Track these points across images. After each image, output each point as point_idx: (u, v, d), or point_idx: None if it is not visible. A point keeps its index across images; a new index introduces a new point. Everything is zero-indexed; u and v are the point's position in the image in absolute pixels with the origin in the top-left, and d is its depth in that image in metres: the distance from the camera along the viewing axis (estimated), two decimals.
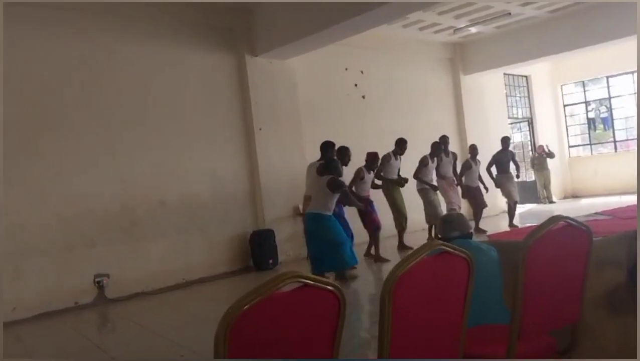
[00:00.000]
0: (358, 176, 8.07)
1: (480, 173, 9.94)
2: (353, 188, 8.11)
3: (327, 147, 7.36)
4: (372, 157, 8.20)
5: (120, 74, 7.59)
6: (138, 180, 7.60)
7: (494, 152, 10.17)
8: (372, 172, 8.23)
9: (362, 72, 10.76)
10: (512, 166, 10.21)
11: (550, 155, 13.84)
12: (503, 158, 10.04)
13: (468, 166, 9.82)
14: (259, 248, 8.41)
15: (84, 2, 7.11)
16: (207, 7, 8.28)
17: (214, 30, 8.59)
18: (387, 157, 8.61)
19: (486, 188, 9.95)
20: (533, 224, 4.24)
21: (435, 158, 9.20)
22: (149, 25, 7.90)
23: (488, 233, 7.49)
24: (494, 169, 10.10)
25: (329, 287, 1.59)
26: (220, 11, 8.49)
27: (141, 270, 7.45)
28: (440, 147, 9.22)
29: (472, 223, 9.49)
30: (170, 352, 4.67)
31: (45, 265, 6.75)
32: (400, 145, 8.72)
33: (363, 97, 10.75)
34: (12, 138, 6.58)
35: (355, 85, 10.66)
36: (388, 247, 8.54)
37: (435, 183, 9.22)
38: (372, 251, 8.26)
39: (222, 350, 1.38)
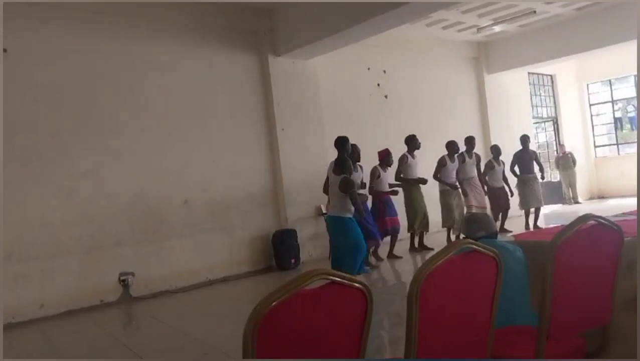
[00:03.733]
0: (374, 175, 8.06)
1: (505, 174, 9.82)
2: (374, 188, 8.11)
3: (340, 143, 7.21)
4: (385, 154, 8.17)
5: (145, 75, 7.68)
6: (162, 179, 7.67)
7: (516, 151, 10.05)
8: (387, 168, 8.19)
9: (384, 71, 10.71)
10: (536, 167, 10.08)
11: (573, 160, 13.63)
12: (524, 157, 9.89)
13: (491, 166, 9.71)
14: (281, 247, 8.42)
15: (110, 4, 7.23)
16: (230, 9, 8.33)
17: (236, 32, 8.64)
18: (403, 158, 8.55)
19: (511, 192, 9.80)
20: (558, 225, 4.18)
21: (456, 158, 9.03)
22: (174, 28, 7.97)
23: (513, 234, 7.40)
24: (516, 169, 9.98)
25: (356, 285, 1.58)
26: (242, 13, 8.53)
27: (165, 269, 7.53)
28: (455, 145, 8.99)
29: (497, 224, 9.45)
30: (194, 350, 4.71)
31: (72, 263, 6.86)
32: (410, 143, 8.62)
33: (386, 96, 10.70)
34: (40, 138, 6.74)
35: (378, 84, 10.62)
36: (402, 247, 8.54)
37: (456, 184, 9.08)
38: (394, 251, 8.29)
39: (250, 345, 1.38)
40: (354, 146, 7.49)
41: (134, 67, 7.58)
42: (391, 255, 8.30)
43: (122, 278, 7.18)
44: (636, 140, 14.71)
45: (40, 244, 6.62)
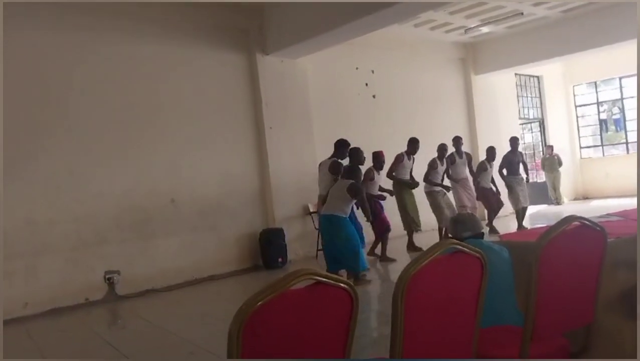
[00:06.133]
0: (368, 177, 8.05)
1: (493, 176, 9.89)
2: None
3: (341, 145, 7.33)
4: (379, 156, 8.17)
5: (134, 74, 7.63)
6: (149, 177, 7.64)
7: (505, 152, 10.11)
8: (380, 171, 8.21)
9: (372, 71, 10.74)
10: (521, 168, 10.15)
11: (559, 162, 13.75)
12: (513, 159, 9.95)
13: (484, 168, 9.72)
14: (268, 246, 8.42)
15: (99, 3, 7.18)
16: (218, 7, 8.30)
17: (225, 30, 8.61)
18: (400, 157, 8.57)
19: (498, 192, 9.85)
20: (543, 225, 4.22)
21: (445, 160, 9.10)
22: (162, 26, 7.93)
23: (500, 234, 7.45)
24: (504, 171, 10.04)
25: (342, 285, 1.58)
26: (231, 11, 8.50)
27: (151, 267, 7.50)
28: (445, 149, 9.08)
29: (484, 223, 9.48)
30: (180, 349, 4.69)
31: (57, 261, 6.81)
32: (413, 145, 8.65)
33: (374, 96, 10.73)
34: (27, 136, 6.68)
35: (366, 84, 10.65)
36: (396, 247, 8.53)
37: (446, 184, 9.13)
38: (377, 250, 8.27)
39: (235, 345, 1.38)
40: (359, 151, 7.58)
41: (121, 65, 7.53)
42: (385, 258, 8.17)
43: (107, 276, 7.13)
44: (623, 141, 14.88)
45: (25, 241, 6.55)
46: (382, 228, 7.95)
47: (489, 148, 10.03)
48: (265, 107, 8.79)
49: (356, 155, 7.37)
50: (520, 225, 9.79)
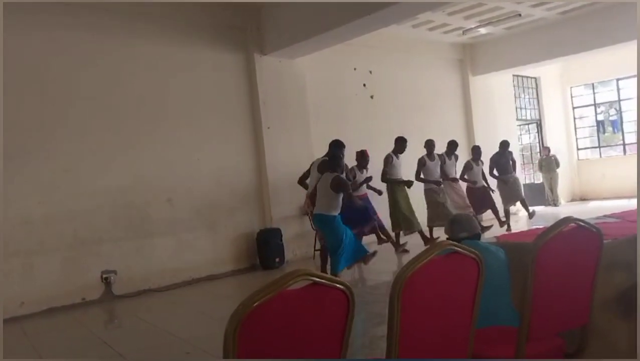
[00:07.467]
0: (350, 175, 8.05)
1: (485, 175, 9.93)
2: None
3: (334, 145, 7.32)
4: (362, 155, 8.16)
5: (131, 73, 7.63)
6: (146, 177, 7.63)
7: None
8: (364, 170, 8.19)
9: (370, 71, 10.74)
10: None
11: (556, 163, 13.78)
12: (500, 160, 10.05)
13: (469, 167, 9.79)
14: (265, 246, 8.41)
15: (97, 3, 7.18)
16: (217, 7, 8.30)
17: (223, 30, 8.61)
18: (389, 158, 8.59)
19: (491, 190, 9.93)
20: (540, 226, 4.23)
21: (436, 156, 9.14)
22: (159, 26, 7.93)
23: (496, 235, 7.44)
24: (495, 172, 10.11)
25: (338, 285, 1.58)
26: (229, 11, 8.50)
27: (148, 267, 7.49)
28: (432, 144, 9.13)
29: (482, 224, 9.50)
30: (176, 349, 4.68)
31: (54, 260, 6.79)
32: (401, 144, 8.68)
33: (371, 97, 10.74)
34: (24, 135, 6.67)
35: (364, 85, 10.65)
36: (390, 248, 8.55)
37: (439, 180, 9.13)
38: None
39: (231, 345, 1.38)
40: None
41: (118, 64, 7.53)
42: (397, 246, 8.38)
43: (104, 276, 7.12)
44: (620, 143, 14.90)
45: (21, 240, 6.54)
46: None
47: (473, 147, 10.12)
48: (263, 107, 8.79)
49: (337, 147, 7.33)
50: (508, 227, 9.76)
